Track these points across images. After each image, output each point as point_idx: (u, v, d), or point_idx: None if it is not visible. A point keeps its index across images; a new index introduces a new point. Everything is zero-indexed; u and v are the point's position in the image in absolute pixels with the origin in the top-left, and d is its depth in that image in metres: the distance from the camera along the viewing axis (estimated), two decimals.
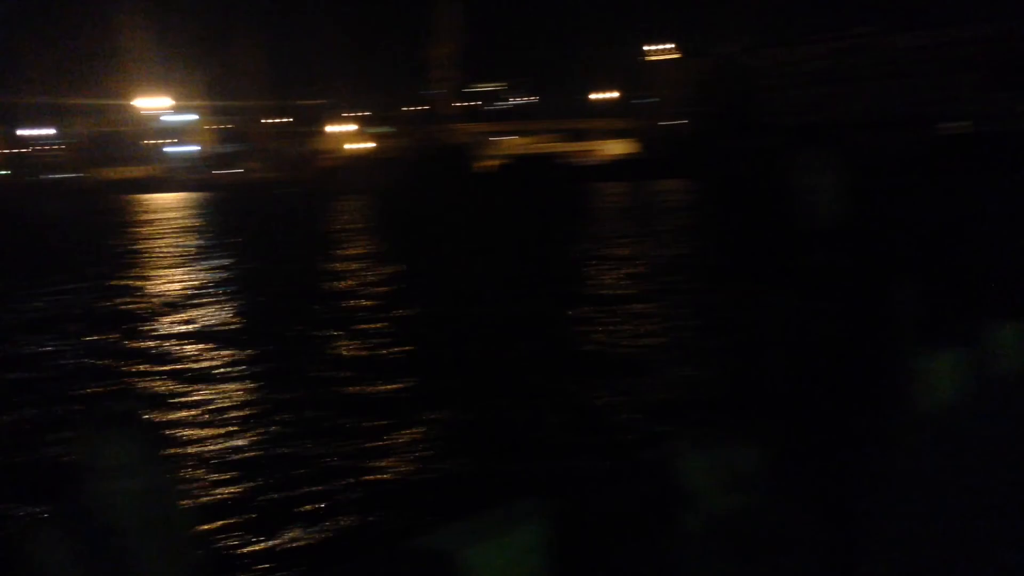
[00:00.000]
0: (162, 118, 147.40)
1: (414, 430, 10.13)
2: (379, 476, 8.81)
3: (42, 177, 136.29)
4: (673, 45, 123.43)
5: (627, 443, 9.09)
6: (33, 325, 18.45)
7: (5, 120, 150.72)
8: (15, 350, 15.75)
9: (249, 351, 14.76)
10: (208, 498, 8.27)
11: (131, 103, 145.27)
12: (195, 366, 13.86)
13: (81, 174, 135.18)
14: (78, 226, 56.99)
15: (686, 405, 10.44)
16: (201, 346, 15.53)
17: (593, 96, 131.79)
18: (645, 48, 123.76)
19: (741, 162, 71.89)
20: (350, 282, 22.82)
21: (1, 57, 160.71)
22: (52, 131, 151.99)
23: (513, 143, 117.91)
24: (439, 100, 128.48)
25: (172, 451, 9.51)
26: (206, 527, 7.55)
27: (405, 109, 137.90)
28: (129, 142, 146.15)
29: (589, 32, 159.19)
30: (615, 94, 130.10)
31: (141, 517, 2.67)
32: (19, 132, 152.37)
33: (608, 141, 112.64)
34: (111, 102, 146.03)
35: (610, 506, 4.85)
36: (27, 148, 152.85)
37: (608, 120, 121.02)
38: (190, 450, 9.75)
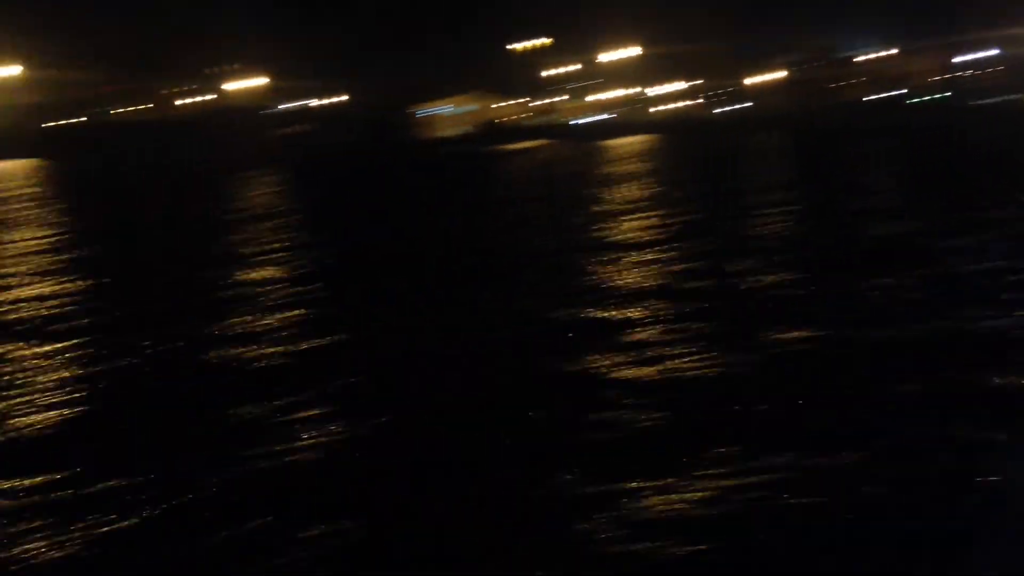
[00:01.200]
0: None
1: None
2: None
3: (971, 103, 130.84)
4: None
5: None
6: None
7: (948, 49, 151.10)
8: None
9: None
10: None
11: None
12: None
13: (1016, 96, 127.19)
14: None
15: None
16: None
17: None
18: None
19: None
20: None
21: None
22: (995, 51, 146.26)
23: None
24: None
25: None
26: None
27: None
28: None
29: None
30: None
31: None
32: (954, 60, 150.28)
33: None
34: None
35: None
36: (963, 72, 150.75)
37: None
38: None
